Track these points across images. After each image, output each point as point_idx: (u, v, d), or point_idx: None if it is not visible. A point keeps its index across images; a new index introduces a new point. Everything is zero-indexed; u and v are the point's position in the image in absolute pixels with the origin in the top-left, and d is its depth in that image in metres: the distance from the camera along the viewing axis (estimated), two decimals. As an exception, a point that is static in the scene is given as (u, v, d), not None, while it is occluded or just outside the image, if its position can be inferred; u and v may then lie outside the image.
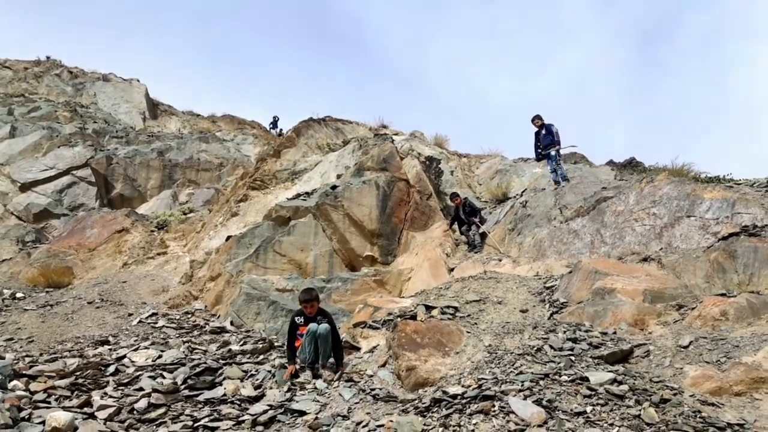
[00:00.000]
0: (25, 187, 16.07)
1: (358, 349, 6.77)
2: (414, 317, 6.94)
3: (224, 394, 5.64)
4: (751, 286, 6.29)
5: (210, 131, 22.20)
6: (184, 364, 6.36)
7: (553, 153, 11.60)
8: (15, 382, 5.53)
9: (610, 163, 13.25)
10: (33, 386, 5.52)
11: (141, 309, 9.51)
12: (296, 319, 6.41)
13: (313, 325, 6.12)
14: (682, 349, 5.27)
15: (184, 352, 6.94)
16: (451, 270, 10.40)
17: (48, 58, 24.31)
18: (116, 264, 12.34)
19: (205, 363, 6.35)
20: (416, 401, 4.94)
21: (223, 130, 22.90)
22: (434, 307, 7.33)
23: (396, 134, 16.39)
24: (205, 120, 25.14)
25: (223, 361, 6.50)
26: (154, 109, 24.33)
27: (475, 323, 6.88)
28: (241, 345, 7.28)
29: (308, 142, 15.37)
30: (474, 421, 4.25)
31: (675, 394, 4.39)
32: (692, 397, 4.42)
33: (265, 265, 9.94)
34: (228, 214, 12.73)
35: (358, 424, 4.63)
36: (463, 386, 4.94)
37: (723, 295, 6.11)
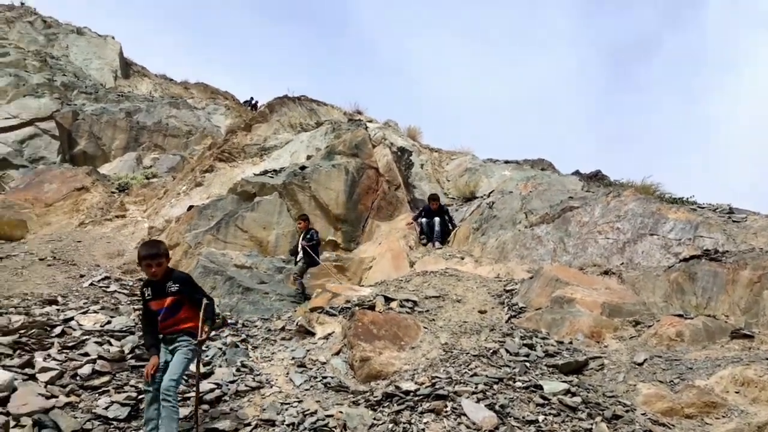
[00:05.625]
0: (-15, 134, 15.21)
1: (313, 334, 6.62)
2: (372, 307, 6.83)
3: (171, 369, 5.40)
4: (708, 310, 6.38)
5: (182, 97, 21.45)
6: (132, 333, 6.10)
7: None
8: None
9: (577, 173, 13.35)
10: (-28, 341, 5.21)
11: (94, 271, 9.11)
12: (144, 291, 4.36)
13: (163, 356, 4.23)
14: (637, 366, 5.31)
15: (134, 320, 6.64)
16: (413, 263, 10.31)
17: (22, 3, 22.95)
18: (72, 222, 11.81)
19: (154, 334, 6.08)
20: (368, 393, 4.84)
21: (195, 98, 22.12)
22: (393, 299, 7.23)
23: (370, 121, 16.11)
24: (178, 85, 24.28)
25: (173, 335, 6.24)
26: (127, 68, 23.32)
27: (433, 319, 6.81)
28: (193, 319, 7.02)
29: (281, 119, 14.99)
30: (425, 420, 4.17)
31: (627, 411, 4.40)
32: (644, 415, 4.43)
33: (225, 239, 9.64)
34: (192, 184, 12.31)
35: (305, 412, 4.48)
36: (416, 383, 4.86)
37: (680, 315, 6.17)
